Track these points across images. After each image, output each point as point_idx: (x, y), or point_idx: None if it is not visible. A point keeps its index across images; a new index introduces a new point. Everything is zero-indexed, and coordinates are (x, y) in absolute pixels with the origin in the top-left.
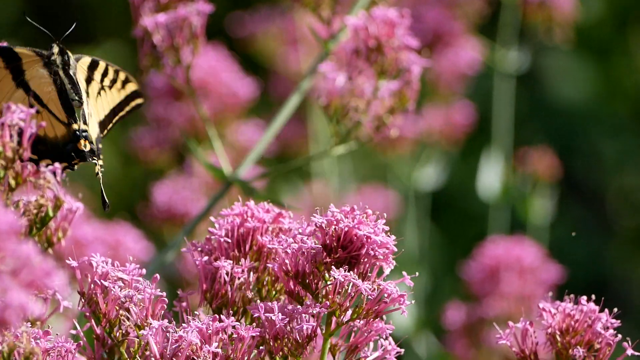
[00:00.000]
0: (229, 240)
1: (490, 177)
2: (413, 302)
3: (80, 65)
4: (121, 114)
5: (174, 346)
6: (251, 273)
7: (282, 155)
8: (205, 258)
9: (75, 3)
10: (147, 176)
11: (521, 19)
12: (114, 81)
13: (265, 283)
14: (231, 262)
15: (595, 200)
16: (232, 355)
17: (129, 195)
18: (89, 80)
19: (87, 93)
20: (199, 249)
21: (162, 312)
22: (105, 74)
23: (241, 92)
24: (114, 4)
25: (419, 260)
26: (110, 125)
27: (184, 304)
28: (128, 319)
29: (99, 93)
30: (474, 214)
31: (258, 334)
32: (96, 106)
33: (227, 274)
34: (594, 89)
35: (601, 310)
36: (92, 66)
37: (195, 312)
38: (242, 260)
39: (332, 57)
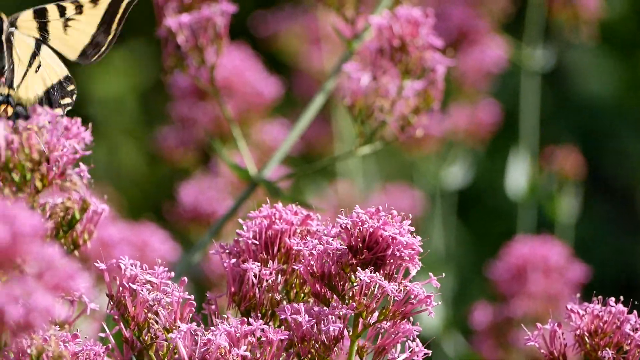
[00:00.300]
0: (257, 243)
1: (518, 175)
2: (440, 303)
3: (22, 24)
4: (117, 20)
5: (202, 349)
6: (279, 275)
7: (307, 155)
8: (234, 260)
9: None
10: (173, 176)
11: (546, 16)
12: (79, 7)
13: (293, 285)
14: (259, 264)
15: (623, 198)
16: (260, 359)
17: (155, 194)
18: (43, 26)
19: (44, 38)
20: (227, 250)
21: (191, 315)
22: (62, 8)
23: (266, 91)
24: (137, 2)
25: (445, 259)
26: (113, 34)
27: (213, 306)
28: (157, 322)
29: (66, 26)
30: (501, 213)
31: (287, 337)
32: (69, 38)
33: (255, 276)
34: (620, 85)
35: (630, 312)
36: (40, 13)
37: (224, 314)
38: (270, 262)
39: (356, 56)
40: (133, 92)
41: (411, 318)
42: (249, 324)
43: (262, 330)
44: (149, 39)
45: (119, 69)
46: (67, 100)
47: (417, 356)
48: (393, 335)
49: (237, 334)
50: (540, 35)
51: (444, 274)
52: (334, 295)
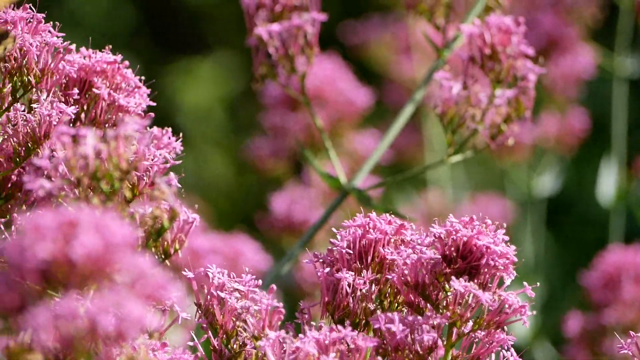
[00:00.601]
0: (351, 252)
1: (608, 182)
2: (534, 312)
3: None
4: None
5: (291, 357)
6: (373, 285)
7: (397, 163)
8: (327, 269)
9: (186, 11)
10: (261, 185)
11: (636, 23)
12: None
13: (387, 295)
14: (353, 273)
15: None
16: None
17: (243, 203)
18: None
19: None
20: (321, 260)
21: (280, 322)
22: None
23: (357, 100)
24: (224, 11)
25: (535, 267)
26: None
27: (306, 315)
28: (245, 330)
29: None
30: (590, 220)
31: (376, 344)
32: None
33: (349, 285)
34: None
35: None
36: None
37: (318, 323)
38: (364, 271)
39: (446, 65)
40: (220, 101)
41: (505, 327)
42: (338, 331)
43: (351, 337)
44: (235, 49)
45: (207, 79)
46: None
47: None
48: (487, 345)
49: (326, 341)
50: (630, 43)
51: (538, 284)
52: (428, 305)
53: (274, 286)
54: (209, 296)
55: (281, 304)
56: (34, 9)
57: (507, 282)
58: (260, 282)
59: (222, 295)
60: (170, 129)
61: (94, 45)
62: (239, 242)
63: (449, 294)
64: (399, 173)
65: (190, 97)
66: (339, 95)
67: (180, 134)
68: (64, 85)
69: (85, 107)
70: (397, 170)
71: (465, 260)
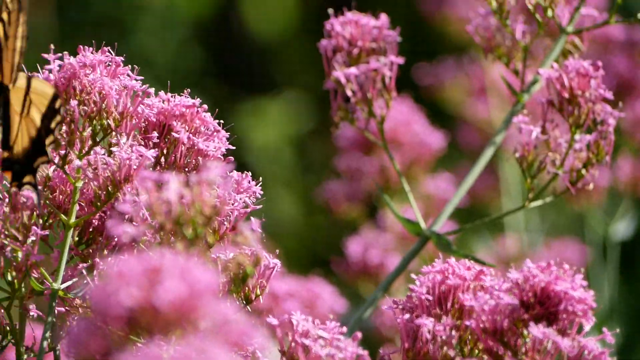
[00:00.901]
0: (430, 298)
1: None
2: (615, 359)
3: None
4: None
5: None
6: (453, 331)
7: (472, 207)
8: (407, 315)
9: (254, 51)
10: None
11: None
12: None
13: (467, 341)
14: (433, 319)
15: None
16: None
17: (312, 243)
18: None
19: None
20: (400, 306)
21: None
22: None
23: (431, 143)
24: (292, 51)
25: (610, 312)
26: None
27: None
28: None
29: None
30: None
31: None
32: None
33: (429, 332)
34: None
35: None
36: None
37: None
38: (444, 318)
39: (525, 108)
40: (289, 141)
41: None
42: None
43: None
44: (303, 88)
45: (275, 119)
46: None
47: None
48: None
49: None
50: None
51: (617, 330)
52: (507, 351)
53: (359, 334)
54: (293, 343)
55: (366, 352)
56: (112, 52)
57: (587, 328)
58: (344, 329)
59: (307, 342)
60: (250, 174)
61: (163, 84)
62: (316, 286)
63: (527, 340)
64: (474, 216)
65: (259, 136)
66: (414, 138)
67: (250, 174)
68: (143, 129)
69: (164, 151)
70: (471, 213)
71: (543, 306)
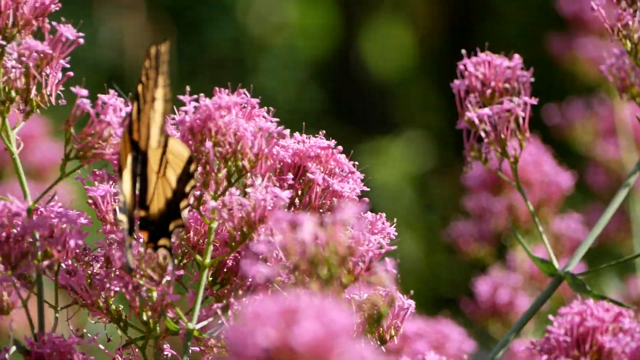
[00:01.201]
0: (569, 339)
1: None
2: None
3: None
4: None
5: None
6: None
7: (598, 247)
8: (545, 357)
9: (372, 91)
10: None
11: None
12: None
13: None
14: None
15: None
16: None
17: (432, 282)
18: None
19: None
20: (538, 347)
21: None
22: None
23: (561, 183)
24: (409, 91)
25: None
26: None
27: None
28: None
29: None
30: None
31: None
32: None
33: None
34: None
35: None
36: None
37: None
38: (582, 359)
39: None
40: (410, 180)
41: None
42: None
43: None
44: (423, 129)
45: (396, 159)
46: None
47: None
48: None
49: None
50: None
51: None
52: None
53: None
54: None
55: None
56: (247, 94)
57: None
58: None
59: None
60: (384, 214)
61: (282, 124)
62: (445, 326)
63: None
64: (601, 256)
65: (378, 176)
66: (543, 178)
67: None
68: (278, 170)
69: (299, 192)
70: (598, 253)
71: None
